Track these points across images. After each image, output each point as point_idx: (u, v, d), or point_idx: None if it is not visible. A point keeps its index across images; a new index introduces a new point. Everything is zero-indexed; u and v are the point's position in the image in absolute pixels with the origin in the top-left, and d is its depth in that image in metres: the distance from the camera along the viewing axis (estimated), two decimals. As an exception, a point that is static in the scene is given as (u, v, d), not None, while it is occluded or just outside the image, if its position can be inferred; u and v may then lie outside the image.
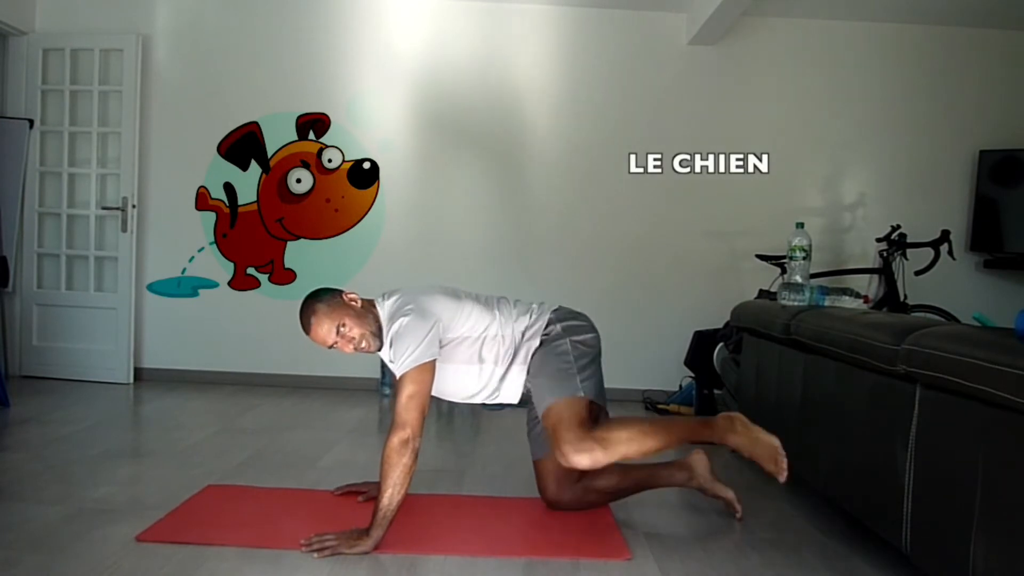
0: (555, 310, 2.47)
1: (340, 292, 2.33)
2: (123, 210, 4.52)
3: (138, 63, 4.49)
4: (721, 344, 3.95)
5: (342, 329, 2.25)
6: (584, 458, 2.14)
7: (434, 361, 2.19)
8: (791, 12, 4.64)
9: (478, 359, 2.37)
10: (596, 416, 2.32)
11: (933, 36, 4.72)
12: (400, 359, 2.16)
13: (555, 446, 2.19)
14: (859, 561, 2.17)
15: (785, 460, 2.16)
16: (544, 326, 2.40)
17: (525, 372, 2.39)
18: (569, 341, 2.37)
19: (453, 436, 3.73)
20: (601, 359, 2.45)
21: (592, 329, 2.47)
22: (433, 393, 2.31)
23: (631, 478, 2.47)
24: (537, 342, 2.39)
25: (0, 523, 2.19)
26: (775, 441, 2.19)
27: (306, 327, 2.29)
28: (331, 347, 2.28)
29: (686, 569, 2.07)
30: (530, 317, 2.42)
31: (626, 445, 2.17)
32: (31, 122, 4.51)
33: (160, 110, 4.64)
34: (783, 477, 2.16)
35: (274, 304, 4.64)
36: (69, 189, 4.59)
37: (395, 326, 2.21)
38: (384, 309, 2.33)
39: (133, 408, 4.09)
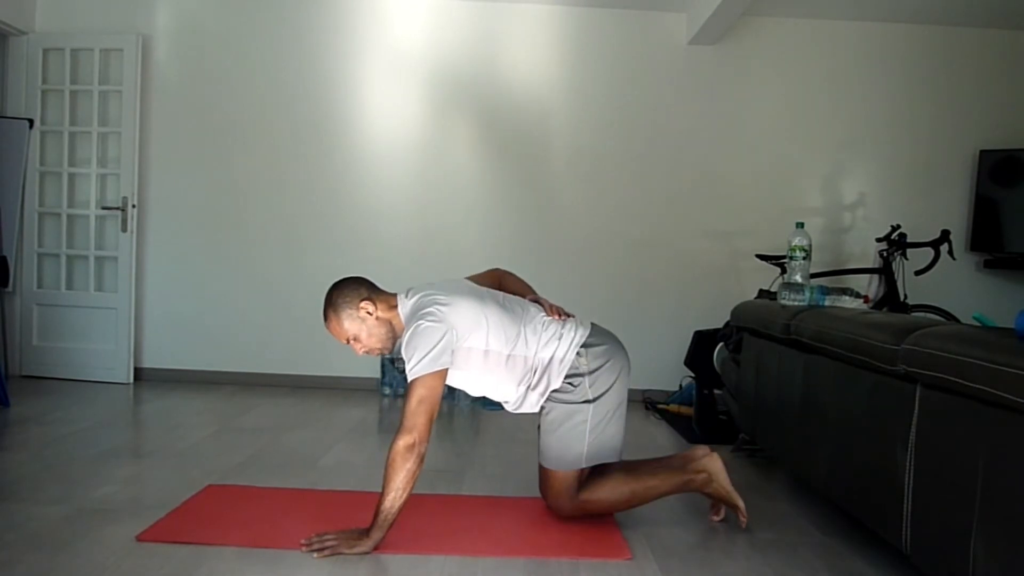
0: (585, 343, 2.33)
1: (359, 298, 2.28)
2: (123, 210, 4.52)
3: (138, 63, 4.50)
4: (721, 344, 3.95)
5: (353, 343, 2.32)
6: (564, 517, 2.38)
7: (446, 369, 2.15)
8: (791, 12, 4.64)
9: (499, 373, 2.31)
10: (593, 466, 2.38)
11: (933, 36, 4.72)
12: (411, 364, 2.12)
13: (544, 495, 2.42)
14: (859, 561, 2.17)
15: (745, 517, 2.40)
16: (570, 368, 2.31)
17: (543, 399, 2.35)
18: (592, 408, 2.31)
19: (453, 436, 3.73)
20: (625, 395, 2.40)
21: (622, 365, 2.38)
22: (458, 386, 2.34)
23: None
24: (558, 383, 2.31)
25: (0, 523, 2.19)
26: (741, 505, 2.40)
27: (324, 322, 2.33)
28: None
29: (686, 569, 2.07)
30: (558, 344, 2.31)
31: (604, 508, 2.37)
32: (31, 122, 4.51)
33: (160, 110, 4.64)
34: (742, 525, 2.41)
35: (274, 304, 4.65)
36: (69, 189, 4.59)
37: (411, 328, 2.17)
38: (407, 307, 2.29)
39: (133, 408, 4.09)
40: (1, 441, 3.21)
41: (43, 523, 2.21)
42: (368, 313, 2.28)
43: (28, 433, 3.34)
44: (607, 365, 2.34)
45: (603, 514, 2.39)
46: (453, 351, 2.19)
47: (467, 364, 2.26)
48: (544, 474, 2.39)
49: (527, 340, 2.30)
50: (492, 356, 2.27)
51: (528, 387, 2.34)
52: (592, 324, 2.44)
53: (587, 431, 2.31)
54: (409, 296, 2.32)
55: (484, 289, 2.42)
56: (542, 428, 2.39)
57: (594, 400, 2.31)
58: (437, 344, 2.13)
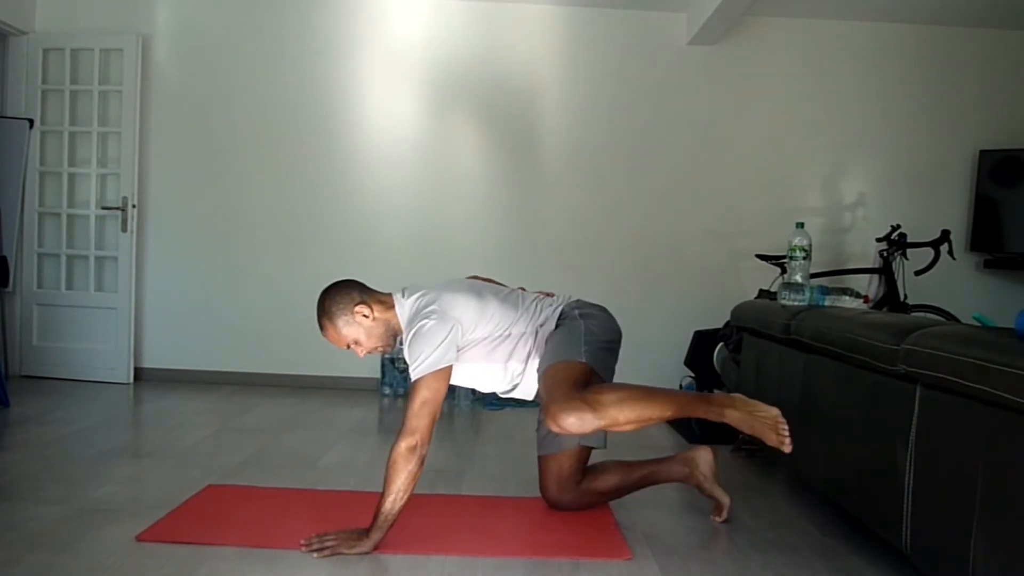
0: (576, 300, 2.48)
1: (352, 303, 2.25)
2: (123, 210, 4.52)
3: (138, 63, 4.49)
4: (721, 344, 3.95)
5: (354, 347, 2.31)
6: (572, 419, 1.99)
7: (450, 367, 2.15)
8: (791, 12, 4.64)
9: (501, 358, 2.35)
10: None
11: (933, 36, 4.72)
12: (415, 363, 2.11)
13: (544, 408, 2.11)
14: (859, 561, 2.17)
15: (787, 428, 2.03)
16: (560, 314, 2.41)
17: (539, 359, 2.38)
18: (584, 322, 2.35)
19: (453, 436, 3.72)
20: (617, 352, 2.43)
21: (611, 321, 2.44)
22: (464, 384, 2.38)
23: (632, 476, 2.47)
24: (553, 326, 2.38)
25: (0, 523, 2.19)
26: (774, 411, 2.07)
27: (321, 331, 2.31)
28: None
29: (686, 569, 2.07)
30: (551, 310, 2.42)
31: (616, 408, 2.03)
32: (31, 122, 4.51)
33: (160, 110, 4.64)
34: (787, 447, 2.02)
35: (274, 304, 4.64)
36: (69, 189, 4.59)
37: (414, 328, 2.16)
38: (404, 307, 2.27)
39: (133, 408, 4.09)
40: (1, 441, 3.21)
41: (43, 523, 2.20)
42: (364, 316, 2.26)
43: (28, 433, 3.33)
44: (596, 311, 2.44)
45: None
46: (459, 347, 2.20)
47: (474, 355, 2.29)
48: (547, 378, 2.19)
49: (527, 319, 2.38)
50: (499, 341, 2.32)
51: (530, 357, 2.37)
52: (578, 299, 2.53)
53: (582, 335, 2.30)
54: (405, 295, 2.31)
55: (478, 283, 2.47)
56: (540, 355, 2.36)
57: (583, 318, 2.36)
58: (441, 343, 2.13)
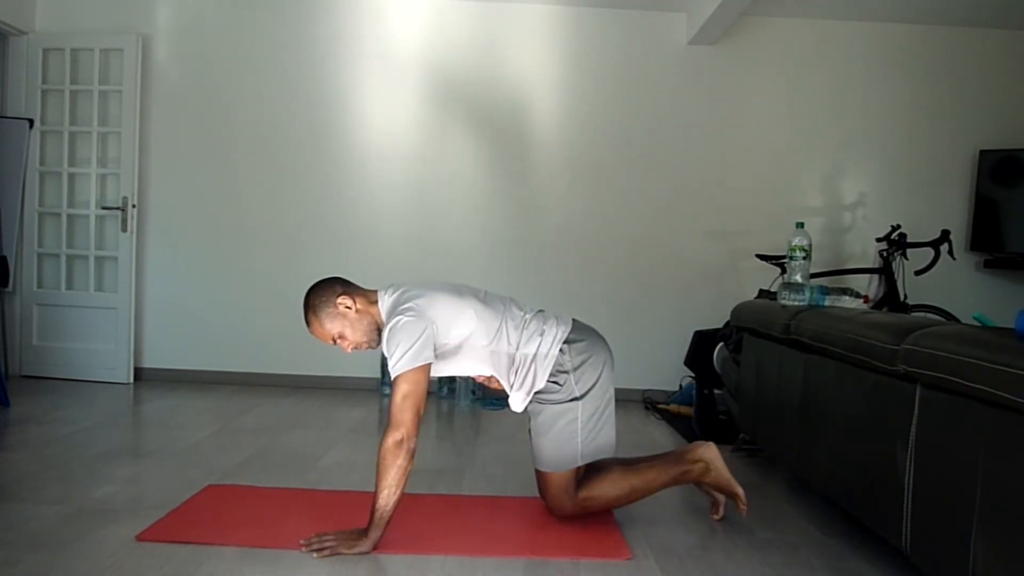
0: (567, 339, 2.32)
1: (335, 295, 2.28)
2: (123, 210, 4.52)
3: (138, 63, 4.50)
4: (721, 344, 3.95)
5: (339, 341, 2.31)
6: (565, 517, 2.37)
7: (429, 364, 2.15)
8: (791, 12, 4.64)
9: (483, 367, 2.33)
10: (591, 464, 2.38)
11: (933, 36, 4.72)
12: (393, 359, 2.12)
13: (543, 498, 2.42)
14: (859, 561, 2.17)
15: (745, 508, 2.43)
16: (555, 366, 2.30)
17: (528, 399, 2.34)
18: (581, 405, 2.30)
19: (453, 436, 3.73)
20: (612, 385, 2.39)
21: (604, 359, 2.37)
22: (443, 374, 2.36)
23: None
24: (542, 382, 2.30)
25: (0, 523, 2.19)
26: (740, 493, 2.43)
27: (307, 325, 2.33)
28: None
29: (686, 569, 2.07)
30: (540, 340, 2.30)
31: (606, 504, 2.39)
32: (31, 122, 4.51)
33: (160, 110, 4.64)
34: (743, 513, 2.45)
35: (274, 304, 4.64)
36: (69, 189, 4.59)
37: (390, 324, 2.18)
38: (386, 303, 2.29)
39: (133, 408, 4.09)
40: (1, 441, 3.21)
41: (43, 523, 2.21)
42: (347, 307, 2.28)
43: (28, 433, 3.34)
44: (590, 360, 2.33)
45: (604, 510, 2.41)
46: (437, 346, 2.20)
47: (451, 359, 2.28)
48: (541, 477, 2.38)
49: (508, 335, 2.30)
50: (474, 351, 2.28)
51: (511, 385, 2.34)
52: (573, 320, 2.43)
53: (579, 429, 2.30)
54: (389, 293, 2.32)
55: (462, 284, 2.43)
56: (533, 431, 2.37)
57: (581, 397, 2.31)
58: (418, 339, 2.13)
